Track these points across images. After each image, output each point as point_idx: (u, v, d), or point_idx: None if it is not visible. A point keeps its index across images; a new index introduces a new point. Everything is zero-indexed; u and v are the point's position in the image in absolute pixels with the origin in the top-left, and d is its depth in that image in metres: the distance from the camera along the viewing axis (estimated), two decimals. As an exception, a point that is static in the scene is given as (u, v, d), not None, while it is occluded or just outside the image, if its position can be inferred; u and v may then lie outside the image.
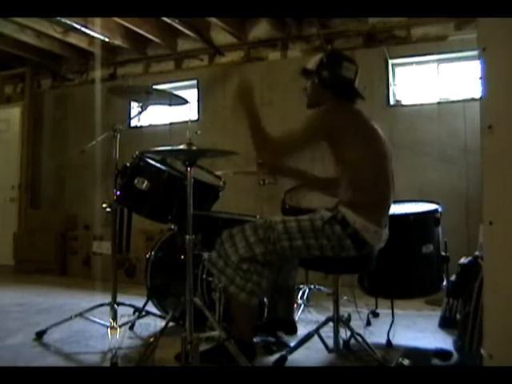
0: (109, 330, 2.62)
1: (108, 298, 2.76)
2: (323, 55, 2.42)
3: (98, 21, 4.86)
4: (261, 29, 5.28)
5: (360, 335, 2.45)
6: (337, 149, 2.27)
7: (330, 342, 2.53)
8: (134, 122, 5.72)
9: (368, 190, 2.23)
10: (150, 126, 5.80)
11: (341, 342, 2.54)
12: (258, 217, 3.09)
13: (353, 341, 2.50)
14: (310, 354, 2.47)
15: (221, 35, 5.35)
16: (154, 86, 3.58)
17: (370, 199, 2.24)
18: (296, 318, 3.08)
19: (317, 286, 3.71)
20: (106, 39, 5.21)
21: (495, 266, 1.45)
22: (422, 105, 4.69)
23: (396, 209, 2.59)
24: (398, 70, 4.89)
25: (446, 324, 3.01)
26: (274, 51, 5.27)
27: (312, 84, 2.43)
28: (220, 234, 2.38)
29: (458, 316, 2.76)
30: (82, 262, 5.37)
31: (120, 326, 2.66)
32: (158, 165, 2.77)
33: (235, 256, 2.27)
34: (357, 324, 2.78)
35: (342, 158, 2.26)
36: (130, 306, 2.94)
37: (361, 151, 2.24)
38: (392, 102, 4.80)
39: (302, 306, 3.43)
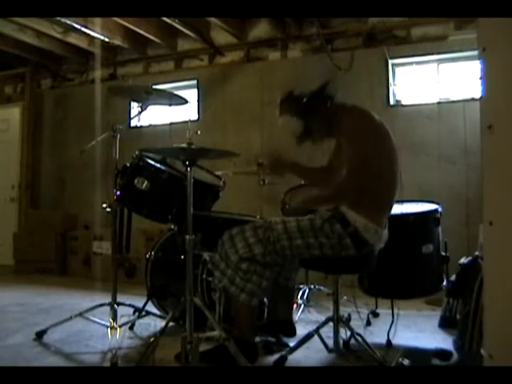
0: (109, 330, 2.62)
1: (108, 298, 2.76)
2: (287, 112, 2.40)
3: (98, 21, 4.87)
4: (261, 29, 5.28)
5: (360, 335, 2.45)
6: (352, 148, 2.27)
7: (330, 342, 2.53)
8: (134, 122, 5.72)
9: (375, 190, 2.23)
10: (150, 126, 5.80)
11: (341, 341, 2.54)
12: (258, 217, 3.09)
13: (353, 341, 2.50)
14: (309, 354, 2.47)
15: (221, 35, 5.35)
16: (154, 86, 3.58)
17: (374, 199, 2.24)
18: (296, 318, 3.08)
19: (317, 286, 3.71)
20: (106, 39, 5.21)
21: (495, 266, 1.44)
22: (421, 105, 4.69)
23: (396, 209, 2.59)
24: (398, 69, 4.89)
25: (446, 324, 3.01)
26: (274, 51, 5.27)
27: (315, 129, 2.40)
28: (220, 233, 2.39)
29: (458, 316, 2.76)
30: (82, 262, 5.37)
31: (120, 326, 2.66)
32: (158, 165, 2.77)
33: (235, 256, 2.28)
34: (357, 324, 2.78)
35: (354, 158, 2.24)
36: (130, 306, 2.93)
37: (376, 153, 2.23)
38: (392, 101, 4.79)
39: (302, 305, 3.43)
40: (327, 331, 2.54)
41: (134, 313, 2.95)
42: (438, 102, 4.63)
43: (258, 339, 2.52)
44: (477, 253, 2.73)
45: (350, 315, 2.83)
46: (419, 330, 3.05)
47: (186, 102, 2.85)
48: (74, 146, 5.74)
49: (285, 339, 2.66)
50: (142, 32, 5.07)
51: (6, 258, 5.82)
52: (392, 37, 4.81)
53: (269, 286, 2.35)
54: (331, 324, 2.53)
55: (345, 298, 3.17)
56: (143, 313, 2.95)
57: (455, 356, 2.18)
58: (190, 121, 5.34)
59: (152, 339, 2.29)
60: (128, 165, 2.77)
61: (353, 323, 2.66)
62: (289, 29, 5.15)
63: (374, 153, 2.23)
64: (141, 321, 2.95)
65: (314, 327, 2.49)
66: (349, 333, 2.50)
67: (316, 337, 2.46)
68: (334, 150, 2.55)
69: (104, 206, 2.79)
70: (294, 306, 3.11)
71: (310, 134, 2.41)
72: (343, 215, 2.22)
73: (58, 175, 6.25)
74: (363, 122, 2.30)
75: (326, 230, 2.21)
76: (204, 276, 2.73)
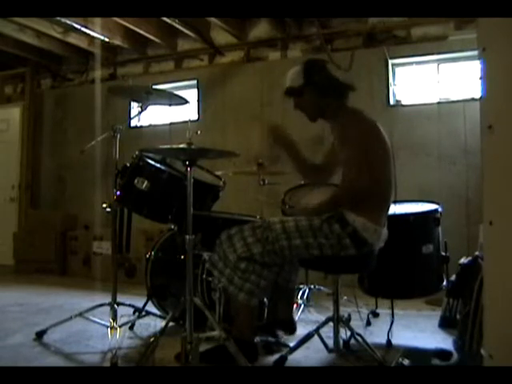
0: (109, 330, 2.62)
1: (108, 298, 2.76)
2: (302, 66, 2.38)
3: (98, 21, 4.87)
4: (261, 29, 5.28)
5: (360, 335, 2.45)
6: (348, 152, 2.27)
7: (330, 342, 2.53)
8: (134, 122, 5.72)
9: (372, 190, 2.23)
10: (150, 126, 5.80)
11: (341, 341, 2.54)
12: (257, 217, 3.09)
13: (353, 341, 2.50)
14: (309, 354, 2.47)
15: (221, 35, 5.35)
16: (154, 86, 3.58)
17: (373, 199, 2.24)
18: (296, 318, 3.08)
19: (317, 286, 3.71)
20: (106, 39, 5.21)
21: (495, 265, 1.44)
22: (422, 105, 4.69)
23: (396, 209, 2.59)
24: (398, 69, 4.89)
25: (446, 324, 3.01)
26: (274, 51, 5.27)
27: (307, 97, 2.37)
28: (220, 234, 2.39)
29: (458, 316, 2.76)
30: (82, 262, 5.37)
31: (120, 326, 2.66)
32: (158, 165, 2.77)
33: (233, 255, 2.28)
34: (357, 324, 2.78)
35: (352, 160, 2.24)
36: (130, 306, 2.93)
37: (371, 154, 2.23)
38: (392, 101, 4.79)
39: (302, 305, 3.43)
40: (327, 331, 2.54)
41: (133, 313, 2.95)
42: (438, 102, 4.62)
43: (257, 339, 2.52)
44: (477, 253, 2.73)
45: (349, 315, 2.83)
46: (419, 330, 3.04)
47: (186, 102, 2.85)
48: (74, 146, 5.74)
49: (285, 339, 2.66)
50: (142, 32, 5.07)
51: (6, 257, 5.82)
52: (392, 37, 4.81)
53: (268, 286, 2.35)
54: (331, 324, 2.53)
55: (345, 297, 3.17)
56: (143, 313, 2.94)
57: (455, 356, 2.18)
58: (190, 121, 5.34)
59: (152, 339, 2.29)
60: (128, 165, 2.77)
61: (353, 323, 2.66)
62: (289, 29, 5.15)
63: (370, 156, 2.22)
64: (141, 321, 2.95)
65: (314, 327, 2.49)
66: (349, 333, 2.50)
67: (316, 337, 2.45)
68: (329, 149, 2.56)
69: (104, 205, 2.79)
70: (294, 306, 3.11)
71: (304, 99, 2.39)
72: (342, 215, 2.22)
73: (57, 175, 6.25)
74: (358, 126, 2.29)
75: (325, 230, 2.21)
76: (204, 276, 2.73)
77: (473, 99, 4.36)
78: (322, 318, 2.62)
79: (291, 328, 2.72)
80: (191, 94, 5.49)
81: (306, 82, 2.34)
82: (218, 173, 3.11)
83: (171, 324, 2.48)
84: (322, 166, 2.64)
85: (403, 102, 4.82)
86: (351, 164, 2.23)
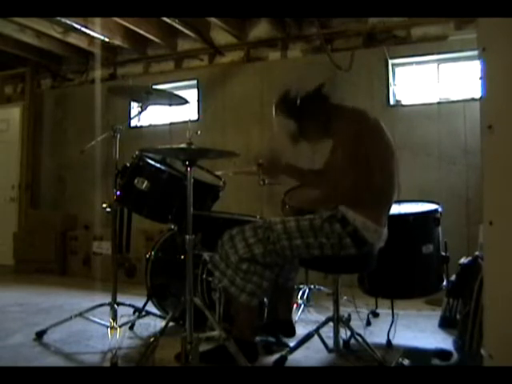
0: (109, 330, 2.62)
1: (108, 298, 2.76)
2: (279, 114, 2.39)
3: (97, 21, 4.86)
4: (261, 29, 5.28)
5: (360, 335, 2.45)
6: (344, 150, 2.26)
7: (330, 342, 2.53)
8: (134, 122, 5.72)
9: (372, 189, 2.23)
10: (150, 126, 5.80)
11: (341, 341, 2.54)
12: (258, 217, 3.09)
13: (353, 341, 2.50)
14: (309, 354, 2.47)
15: (221, 35, 5.35)
16: (154, 86, 3.58)
17: (373, 198, 2.24)
18: (296, 318, 3.09)
19: (317, 286, 3.71)
20: (106, 39, 5.21)
21: (495, 265, 1.44)
22: (422, 105, 4.69)
23: (396, 209, 2.59)
24: (398, 70, 4.89)
25: (446, 324, 3.01)
26: (274, 51, 5.27)
27: (307, 130, 2.38)
28: (220, 234, 2.39)
29: (458, 316, 2.76)
30: (82, 262, 5.37)
31: (120, 326, 2.66)
32: (158, 165, 2.77)
33: (234, 256, 2.28)
34: (357, 324, 2.78)
35: (351, 159, 2.24)
36: (130, 305, 2.94)
37: (370, 153, 2.23)
38: (392, 101, 4.79)
39: (302, 305, 3.43)
40: (327, 331, 2.54)
41: (134, 313, 2.95)
42: (438, 102, 4.62)
43: (257, 339, 2.52)
44: (477, 253, 2.73)
45: (350, 315, 2.83)
46: (419, 330, 3.04)
47: (186, 102, 2.85)
48: (74, 146, 5.74)
49: (284, 339, 2.66)
50: (142, 32, 5.07)
51: (6, 257, 5.82)
52: (392, 37, 4.80)
53: (269, 287, 2.35)
54: (331, 324, 2.53)
55: (345, 298, 3.17)
56: (143, 313, 2.95)
57: (455, 356, 2.18)
58: (190, 121, 5.34)
59: (152, 339, 2.29)
60: (128, 165, 2.77)
61: (353, 323, 2.66)
62: (289, 29, 5.15)
63: (367, 154, 2.21)
64: (141, 321, 2.95)
65: (314, 327, 2.49)
66: (349, 333, 2.50)
67: (316, 337, 2.45)
68: (330, 152, 2.55)
69: (104, 205, 2.80)
70: (294, 306, 3.11)
71: (304, 134, 2.40)
72: (343, 215, 2.22)
73: (57, 175, 6.25)
74: (355, 125, 2.28)
75: (326, 230, 2.21)
76: (204, 276, 2.73)
77: (473, 99, 4.36)
78: (322, 318, 2.62)
79: (290, 331, 2.72)
80: (191, 94, 5.49)
81: (298, 121, 2.34)
82: (218, 173, 3.11)
83: (171, 324, 2.48)
84: (323, 170, 2.61)
85: (403, 102, 4.82)
86: (345, 161, 2.22)
